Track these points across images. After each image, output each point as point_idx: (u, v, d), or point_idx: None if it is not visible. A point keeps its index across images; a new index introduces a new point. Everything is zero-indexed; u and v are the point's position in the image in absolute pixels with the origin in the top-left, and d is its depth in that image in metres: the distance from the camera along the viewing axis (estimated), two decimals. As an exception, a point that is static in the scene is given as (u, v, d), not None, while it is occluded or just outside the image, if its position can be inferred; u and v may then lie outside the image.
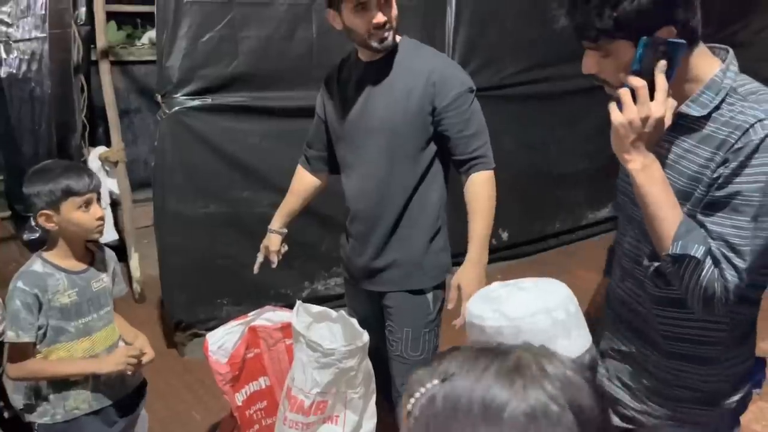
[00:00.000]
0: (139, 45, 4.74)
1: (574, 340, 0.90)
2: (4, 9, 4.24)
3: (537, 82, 3.87)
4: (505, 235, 4.03)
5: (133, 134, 4.77)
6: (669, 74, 1.05)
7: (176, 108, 2.78)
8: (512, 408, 0.55)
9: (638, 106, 1.03)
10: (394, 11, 1.72)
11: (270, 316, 2.28)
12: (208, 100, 2.83)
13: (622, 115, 1.05)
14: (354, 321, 2.17)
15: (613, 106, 1.07)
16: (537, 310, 0.89)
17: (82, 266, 1.66)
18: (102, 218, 1.62)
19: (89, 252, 1.71)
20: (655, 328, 1.25)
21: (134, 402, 1.79)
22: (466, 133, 1.78)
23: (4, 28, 4.27)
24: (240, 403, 2.23)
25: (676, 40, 1.04)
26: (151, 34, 4.65)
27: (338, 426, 2.04)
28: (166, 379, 2.95)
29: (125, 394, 1.74)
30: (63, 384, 1.62)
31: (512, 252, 4.09)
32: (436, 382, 0.60)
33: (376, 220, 1.91)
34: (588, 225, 4.45)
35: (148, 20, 4.75)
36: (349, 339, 2.03)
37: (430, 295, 1.94)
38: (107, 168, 3.68)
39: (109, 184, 3.72)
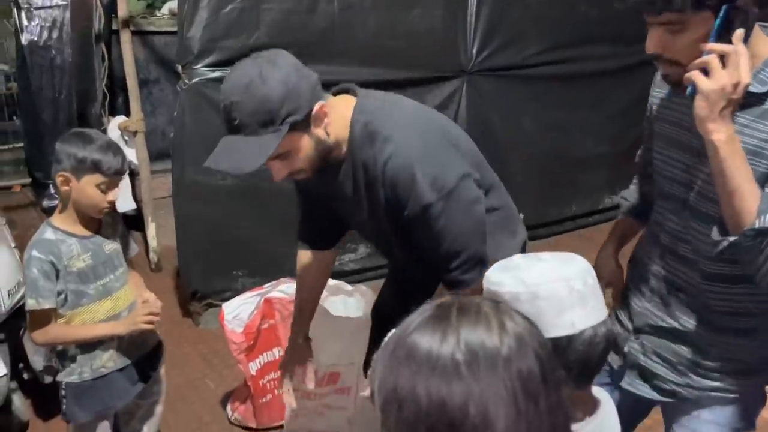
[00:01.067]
0: (160, 15, 4.73)
1: (590, 311, 0.90)
2: (26, -25, 4.25)
3: (560, 63, 3.82)
4: (520, 217, 4.00)
5: (151, 105, 4.77)
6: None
7: (196, 79, 2.78)
8: (428, 352, 0.57)
9: (728, 71, 0.99)
10: (300, 159, 1.25)
11: (285, 288, 2.30)
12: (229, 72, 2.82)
13: (711, 81, 1.00)
14: (369, 293, 2.19)
15: (697, 74, 1.02)
16: (555, 278, 0.90)
17: (91, 231, 1.67)
18: (112, 203, 1.63)
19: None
20: (705, 304, 1.25)
21: (153, 362, 1.83)
22: (440, 249, 1.32)
23: (25, -5, 4.28)
24: (254, 373, 2.26)
25: (752, 9, 1.02)
26: (171, 4, 4.63)
27: (350, 397, 2.07)
28: (180, 347, 2.99)
29: (146, 352, 1.78)
30: (90, 344, 1.66)
31: (528, 234, 4.07)
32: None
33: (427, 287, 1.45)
34: (605, 209, 4.41)
35: (168, -10, 4.73)
36: (362, 311, 2.05)
37: None
38: (126, 138, 3.70)
39: (128, 154, 3.74)
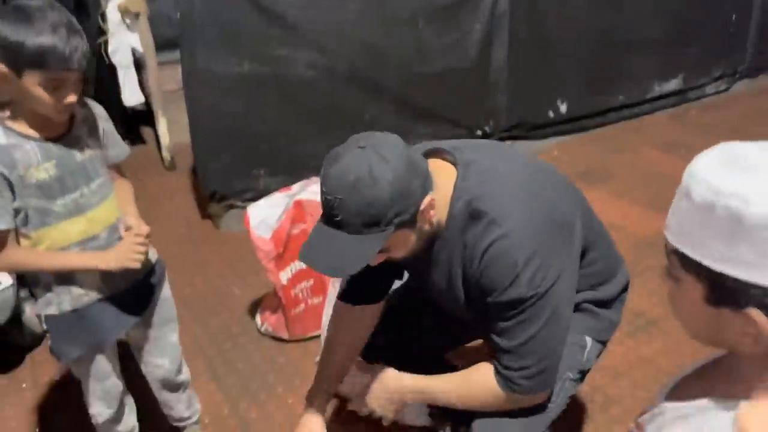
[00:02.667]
0: None
1: None
2: None
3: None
4: (563, 107, 3.66)
5: (153, -14, 4.33)
6: None
7: (203, -54, 2.39)
8: None
9: None
10: (400, 251, 1.14)
11: (317, 189, 2.03)
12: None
13: None
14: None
15: None
16: None
17: (59, 131, 1.27)
18: (71, 105, 1.21)
19: None
20: None
21: (151, 286, 1.49)
22: (511, 343, 1.15)
23: None
24: (285, 282, 2.05)
25: None
26: None
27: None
28: (202, 252, 2.79)
29: (142, 275, 1.45)
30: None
31: (570, 126, 3.73)
32: None
33: None
34: (654, 98, 4.03)
35: None
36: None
37: (588, 339, 1.39)
38: (128, 21, 3.32)
39: (131, 40, 3.38)
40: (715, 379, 0.69)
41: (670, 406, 0.70)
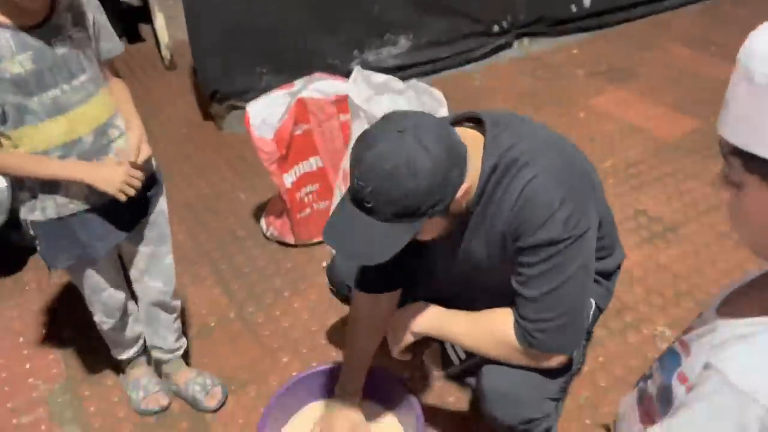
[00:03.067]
0: None
1: None
2: None
3: None
4: (587, 1, 3.40)
5: None
6: None
7: None
8: None
9: None
10: (429, 234, 1.10)
11: (321, 86, 1.90)
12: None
13: None
14: (425, 88, 1.80)
15: None
16: None
17: (36, 17, 1.14)
18: None
19: None
20: None
21: (145, 200, 1.38)
22: (524, 292, 1.09)
23: None
24: (289, 186, 1.97)
25: None
26: None
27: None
28: (204, 154, 2.71)
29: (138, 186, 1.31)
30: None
31: (593, 21, 3.49)
32: None
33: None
34: (686, -11, 3.75)
35: None
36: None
37: (593, 302, 1.38)
38: None
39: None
40: None
41: (723, 323, 0.61)
